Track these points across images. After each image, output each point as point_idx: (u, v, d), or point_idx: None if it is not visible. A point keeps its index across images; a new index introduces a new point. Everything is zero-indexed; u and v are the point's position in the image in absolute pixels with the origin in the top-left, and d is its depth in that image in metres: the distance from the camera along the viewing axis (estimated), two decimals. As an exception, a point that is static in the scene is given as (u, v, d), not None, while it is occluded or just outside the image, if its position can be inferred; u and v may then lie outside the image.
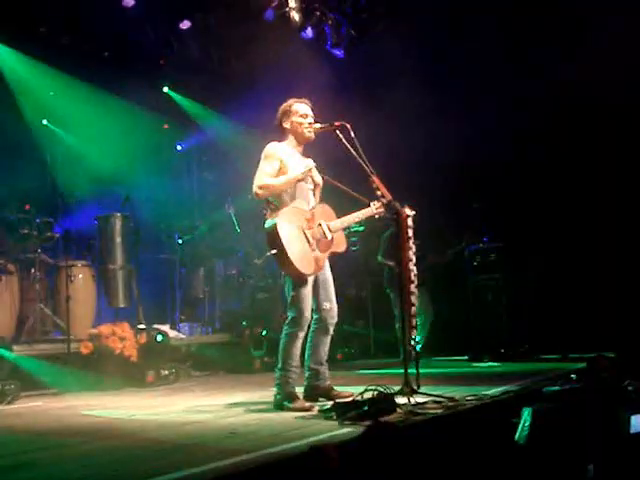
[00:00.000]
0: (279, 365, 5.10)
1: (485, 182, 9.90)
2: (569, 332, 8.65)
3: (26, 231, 7.81)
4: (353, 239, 10.36)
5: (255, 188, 5.04)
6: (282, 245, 4.86)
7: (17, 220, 7.95)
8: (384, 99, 9.96)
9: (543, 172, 9.54)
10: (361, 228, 10.32)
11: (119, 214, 8.64)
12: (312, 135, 5.24)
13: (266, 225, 5.01)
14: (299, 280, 5.02)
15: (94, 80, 9.86)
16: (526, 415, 3.87)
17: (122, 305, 8.54)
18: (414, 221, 4.91)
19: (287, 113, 5.26)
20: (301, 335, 5.09)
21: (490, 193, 9.82)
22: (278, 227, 4.89)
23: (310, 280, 5.10)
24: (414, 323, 4.87)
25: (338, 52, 10.64)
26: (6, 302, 7.50)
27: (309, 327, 5.24)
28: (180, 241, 9.78)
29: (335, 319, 5.33)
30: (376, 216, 5.39)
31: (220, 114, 11.63)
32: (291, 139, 5.26)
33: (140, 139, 10.50)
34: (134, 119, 10.29)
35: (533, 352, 8.73)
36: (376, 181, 4.88)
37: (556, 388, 4.25)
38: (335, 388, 5.36)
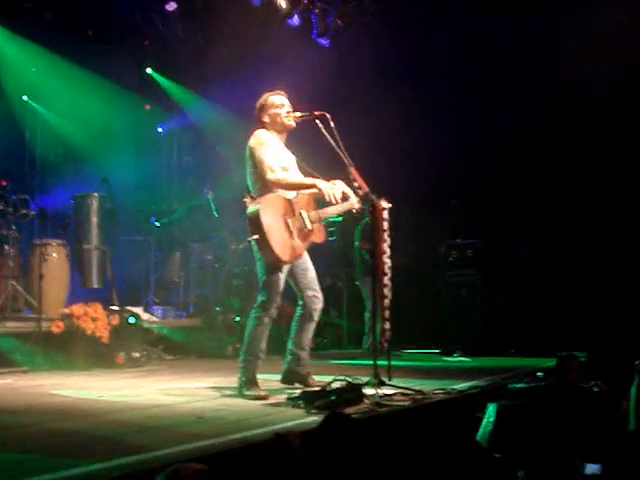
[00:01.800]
0: (243, 349, 5.11)
1: (465, 179, 9.95)
2: (541, 330, 8.71)
3: (1, 207, 7.74)
4: (331, 229, 10.36)
5: (269, 174, 5.00)
6: (263, 231, 4.86)
7: (-8, 196, 7.88)
8: (367, 90, 9.98)
9: (524, 171, 9.61)
10: (339, 219, 10.30)
11: (96, 194, 8.58)
12: (292, 123, 5.24)
13: (248, 210, 4.99)
14: (274, 266, 5.03)
15: (77, 58, 9.76)
16: (490, 410, 3.91)
17: (96, 286, 8.51)
18: (390, 214, 4.93)
19: (263, 107, 5.27)
20: (267, 320, 5.09)
21: (470, 191, 9.87)
22: (261, 213, 4.87)
23: (285, 268, 5.11)
24: (387, 315, 4.89)
25: (324, 41, 10.61)
26: (-22, 277, 7.45)
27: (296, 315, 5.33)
28: (157, 224, 9.73)
29: (320, 306, 5.34)
30: (353, 210, 5.44)
31: (203, 98, 11.57)
32: (272, 132, 5.24)
33: (121, 119, 10.44)
34: (116, 99, 10.23)
35: (504, 349, 8.79)
36: (354, 172, 4.88)
37: (521, 385, 4.29)
38: (313, 377, 5.36)
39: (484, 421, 3.94)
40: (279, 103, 5.25)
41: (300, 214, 5.16)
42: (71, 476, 2.70)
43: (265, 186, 5.06)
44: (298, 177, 5.18)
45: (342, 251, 10.52)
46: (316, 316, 5.36)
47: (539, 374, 4.88)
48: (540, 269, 9.44)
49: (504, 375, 6.10)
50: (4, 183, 8.20)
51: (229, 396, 5.03)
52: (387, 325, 4.97)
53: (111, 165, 9.43)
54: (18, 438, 3.64)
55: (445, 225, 9.87)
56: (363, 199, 4.95)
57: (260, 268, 5.12)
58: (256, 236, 4.88)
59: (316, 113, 5.03)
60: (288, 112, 5.22)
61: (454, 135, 9.69)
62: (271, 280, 5.05)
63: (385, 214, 4.86)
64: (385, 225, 4.85)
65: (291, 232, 5.04)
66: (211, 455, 3.00)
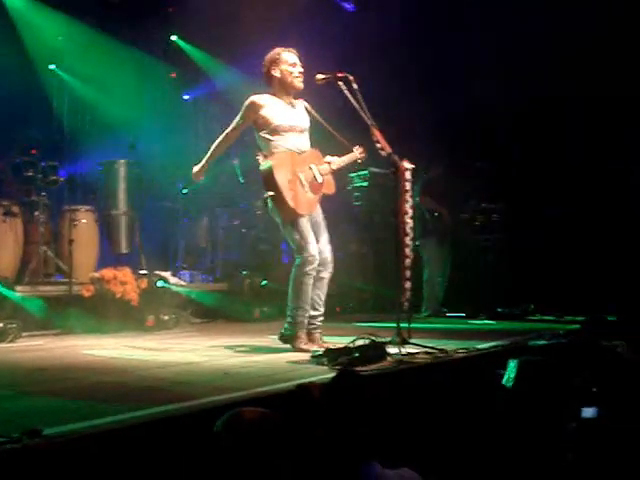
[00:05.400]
0: (292, 305, 5.22)
1: (491, 142, 9.90)
2: (569, 294, 8.69)
3: (31, 174, 7.87)
4: (356, 194, 10.39)
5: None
6: (278, 187, 5.04)
7: (22, 163, 8.00)
8: (392, 55, 9.92)
9: (549, 133, 9.54)
10: (365, 183, 10.33)
11: (123, 160, 8.68)
12: (301, 85, 5.33)
13: (261, 167, 5.18)
14: (296, 221, 5.15)
15: (102, 26, 9.80)
16: (512, 366, 3.97)
17: (124, 251, 8.62)
18: (412, 175, 4.96)
19: (276, 61, 5.33)
20: (313, 273, 5.17)
21: (495, 153, 9.82)
22: (274, 169, 5.07)
23: (307, 219, 5.23)
24: (408, 275, 4.94)
25: (348, 5, 10.55)
26: (9, 244, 7.58)
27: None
28: (184, 190, 9.82)
29: (327, 264, 5.36)
30: (358, 161, 5.62)
31: (229, 65, 11.56)
32: (278, 89, 5.35)
33: (147, 87, 10.49)
34: (142, 67, 10.27)
35: (531, 312, 8.81)
36: (376, 133, 4.92)
37: (542, 342, 4.33)
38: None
39: (504, 377, 4.00)
40: (292, 61, 5.33)
41: (310, 167, 5.30)
42: (118, 421, 2.84)
43: (273, 144, 5.23)
44: (213, 147, 5.56)
45: (367, 216, 10.52)
46: (325, 275, 5.36)
47: (560, 331, 4.92)
48: (568, 231, 9.38)
49: (527, 336, 6.12)
50: (33, 151, 8.31)
51: (255, 355, 5.15)
52: (407, 285, 5.00)
53: (138, 132, 9.50)
54: (50, 392, 3.77)
55: (470, 189, 9.81)
56: (385, 160, 4.99)
57: (287, 232, 5.23)
58: (271, 192, 5.04)
59: (339, 74, 5.08)
60: (300, 72, 5.30)
61: (476, 97, 9.61)
62: (302, 234, 5.14)
63: (408, 175, 4.89)
64: (407, 186, 4.88)
65: (304, 185, 5.19)
66: (238, 405, 3.09)
